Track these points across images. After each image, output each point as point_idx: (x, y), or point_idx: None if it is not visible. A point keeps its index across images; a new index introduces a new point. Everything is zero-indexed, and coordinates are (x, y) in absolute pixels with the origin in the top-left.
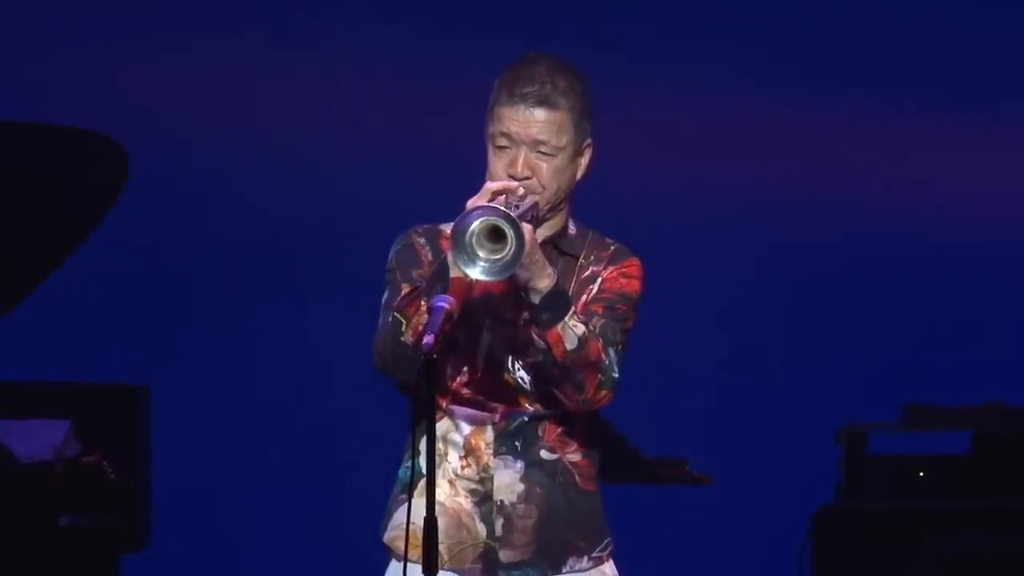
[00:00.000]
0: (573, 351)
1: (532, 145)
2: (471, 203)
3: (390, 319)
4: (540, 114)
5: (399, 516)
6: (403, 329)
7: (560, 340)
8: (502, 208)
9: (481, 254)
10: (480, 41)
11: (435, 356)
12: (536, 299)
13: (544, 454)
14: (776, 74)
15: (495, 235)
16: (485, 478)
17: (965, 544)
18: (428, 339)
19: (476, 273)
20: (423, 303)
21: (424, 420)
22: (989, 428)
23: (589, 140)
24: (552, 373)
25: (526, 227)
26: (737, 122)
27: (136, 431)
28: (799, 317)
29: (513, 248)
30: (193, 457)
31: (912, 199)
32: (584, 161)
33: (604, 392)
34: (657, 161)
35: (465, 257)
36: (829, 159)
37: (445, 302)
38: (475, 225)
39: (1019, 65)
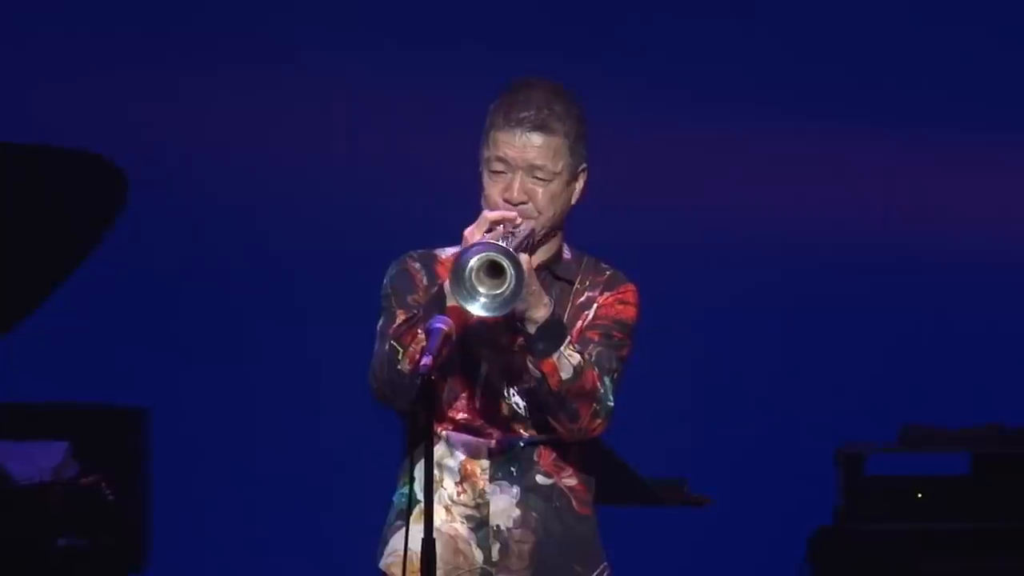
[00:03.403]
0: (568, 380)
1: (528, 170)
2: (468, 233)
3: (387, 347)
4: (536, 139)
5: (395, 542)
6: (399, 357)
7: (556, 370)
8: (500, 244)
9: (481, 290)
10: (477, 59)
11: (432, 378)
12: (532, 329)
13: (540, 479)
14: (775, 103)
15: (494, 270)
16: (481, 504)
17: (963, 565)
18: (426, 361)
19: (476, 309)
20: (419, 331)
21: (421, 442)
22: (988, 449)
23: (584, 165)
24: (547, 401)
25: (523, 258)
26: (746, 146)
27: (135, 453)
28: (798, 338)
29: (512, 283)
30: (192, 480)
31: (911, 223)
32: (579, 186)
33: (599, 421)
34: (660, 179)
35: (465, 293)
36: (827, 189)
37: (443, 324)
38: (474, 261)
39: (1015, 95)
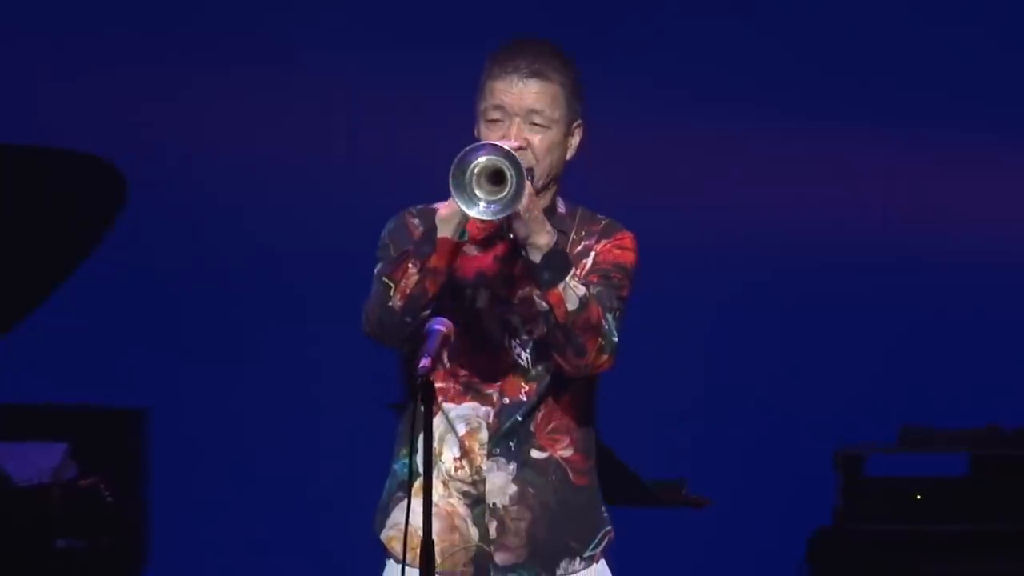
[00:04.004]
0: (575, 312)
1: (526, 116)
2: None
3: (378, 287)
4: (534, 84)
5: (396, 515)
6: (391, 294)
7: (562, 301)
8: (505, 146)
9: (479, 193)
10: (476, 60)
11: (431, 379)
12: (537, 257)
13: (535, 453)
14: (775, 104)
15: (496, 177)
16: (478, 480)
17: (962, 567)
18: (425, 362)
19: (475, 212)
20: (410, 265)
21: (421, 440)
22: (987, 451)
23: (580, 121)
24: (554, 336)
25: (526, 184)
26: (737, 153)
27: (134, 454)
28: (798, 339)
29: (513, 187)
30: (191, 481)
31: (911, 223)
32: (575, 142)
33: (605, 357)
34: (660, 179)
35: (465, 197)
36: (825, 189)
37: (442, 325)
38: (480, 161)
39: (1014, 95)
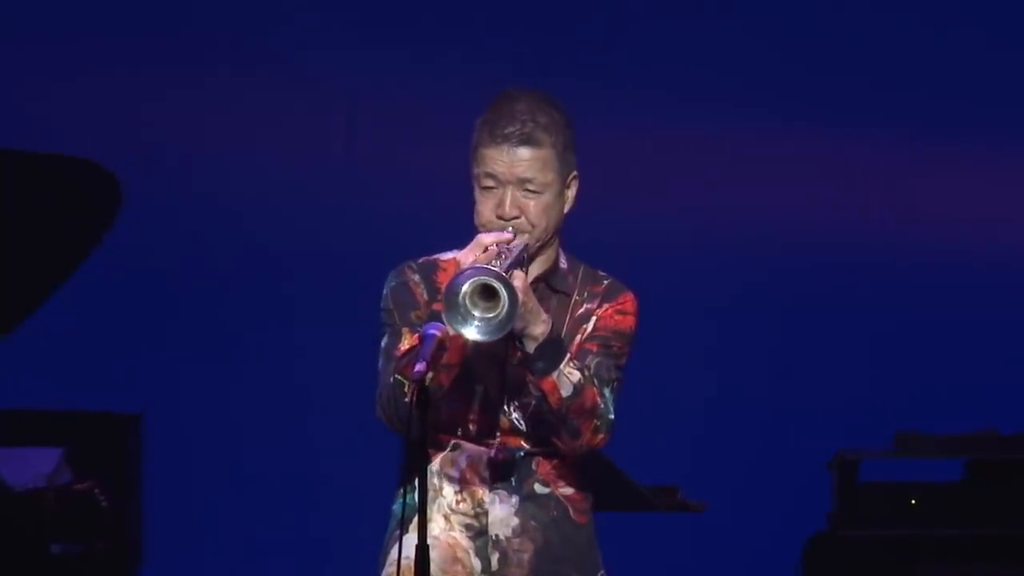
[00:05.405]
0: (569, 398)
1: (518, 184)
2: (462, 256)
3: (391, 381)
4: (524, 153)
5: (394, 553)
6: (405, 390)
7: (556, 388)
8: (491, 267)
9: (476, 313)
10: (472, 64)
11: (427, 383)
12: (531, 347)
13: (538, 488)
14: (765, 107)
15: (487, 293)
16: (480, 513)
17: (957, 572)
18: (420, 367)
19: (472, 334)
20: None
21: (418, 449)
22: (982, 456)
23: (575, 172)
24: (548, 420)
25: (518, 276)
26: (731, 154)
27: (129, 459)
28: (792, 345)
29: (506, 306)
30: (186, 486)
31: (906, 228)
32: (571, 194)
33: (600, 436)
34: (651, 191)
35: (460, 318)
36: (820, 189)
37: (437, 330)
38: (466, 287)
39: (1013, 94)
